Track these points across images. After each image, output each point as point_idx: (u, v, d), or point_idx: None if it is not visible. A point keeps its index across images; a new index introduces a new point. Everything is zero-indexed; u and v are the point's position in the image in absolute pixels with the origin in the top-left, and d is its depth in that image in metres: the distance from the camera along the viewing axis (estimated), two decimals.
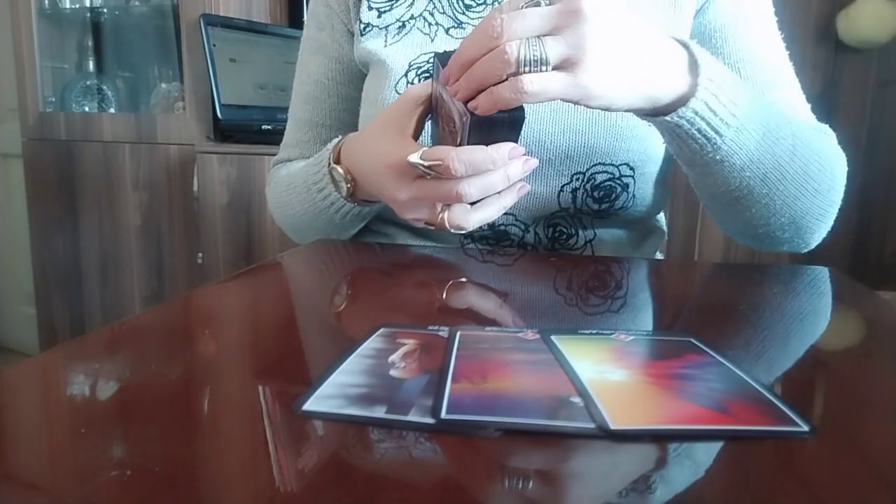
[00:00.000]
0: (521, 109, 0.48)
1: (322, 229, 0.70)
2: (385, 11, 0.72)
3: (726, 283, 0.56)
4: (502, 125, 0.49)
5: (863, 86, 1.81)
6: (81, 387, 0.32)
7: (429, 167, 0.51)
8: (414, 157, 0.51)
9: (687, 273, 0.58)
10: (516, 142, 0.51)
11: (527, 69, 0.44)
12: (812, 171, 0.58)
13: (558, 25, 0.45)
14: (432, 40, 0.70)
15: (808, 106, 0.70)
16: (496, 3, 0.69)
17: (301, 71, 0.82)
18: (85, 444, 0.25)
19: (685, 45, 0.51)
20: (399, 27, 0.71)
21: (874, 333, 0.44)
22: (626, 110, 0.50)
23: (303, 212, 0.71)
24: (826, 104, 1.80)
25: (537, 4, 0.46)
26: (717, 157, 0.53)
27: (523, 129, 0.51)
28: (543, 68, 0.45)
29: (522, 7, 0.46)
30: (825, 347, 0.41)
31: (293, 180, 0.72)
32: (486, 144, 0.50)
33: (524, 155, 0.51)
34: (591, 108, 0.48)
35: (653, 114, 0.52)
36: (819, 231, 0.64)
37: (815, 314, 0.48)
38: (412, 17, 0.71)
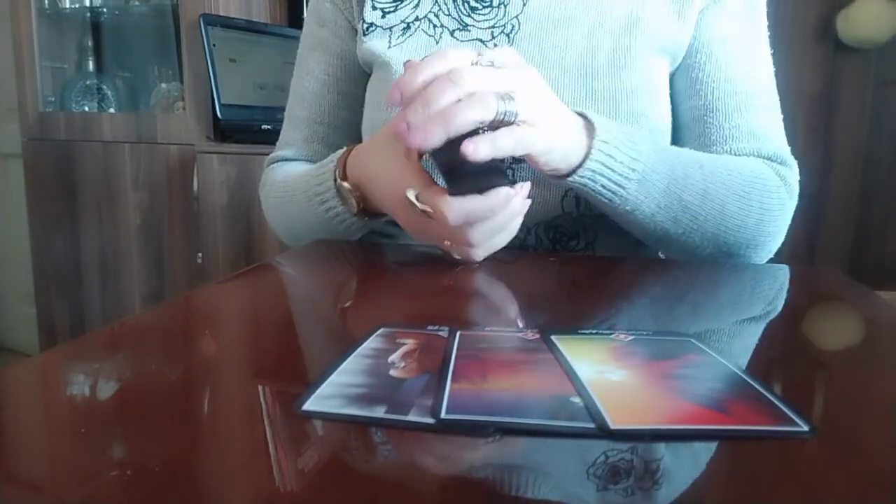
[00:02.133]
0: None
1: (322, 236, 0.70)
2: (389, 12, 0.71)
3: (726, 283, 0.56)
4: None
5: (863, 86, 1.81)
6: (81, 387, 0.32)
7: (422, 211, 0.52)
8: (411, 195, 0.53)
9: (687, 273, 0.58)
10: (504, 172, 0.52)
11: (502, 118, 0.48)
12: (730, 209, 0.62)
13: (514, 86, 0.49)
14: (437, 42, 0.69)
15: (782, 130, 0.72)
16: (501, 6, 0.69)
17: (300, 68, 0.81)
18: (85, 444, 0.25)
19: (581, 114, 0.56)
20: (404, 28, 0.71)
21: (874, 333, 0.44)
22: (552, 170, 0.55)
23: (302, 221, 0.70)
24: (826, 104, 1.80)
25: (490, 63, 0.50)
26: (628, 208, 0.58)
27: None
28: (513, 120, 0.49)
29: (477, 63, 0.49)
30: (825, 347, 0.41)
31: (290, 187, 0.71)
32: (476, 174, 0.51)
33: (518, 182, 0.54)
34: (536, 164, 0.53)
35: (565, 175, 0.56)
36: (760, 255, 0.67)
37: (815, 314, 0.48)
38: (417, 19, 0.71)
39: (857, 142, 1.82)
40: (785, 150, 0.71)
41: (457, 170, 0.50)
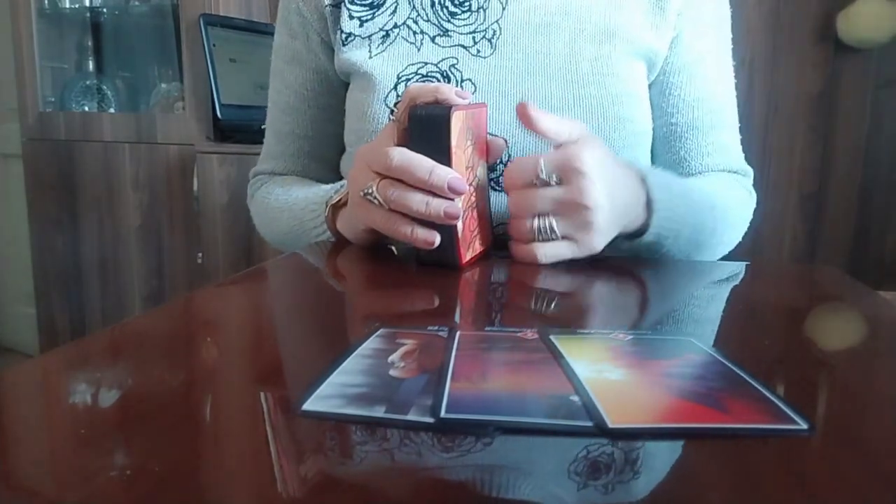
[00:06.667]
0: (447, 108, 0.52)
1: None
2: (367, 20, 0.70)
3: (726, 282, 0.56)
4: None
5: (863, 86, 1.81)
6: (81, 389, 0.32)
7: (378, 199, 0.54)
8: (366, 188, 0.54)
9: (686, 272, 0.58)
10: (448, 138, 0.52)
11: (541, 237, 0.54)
12: (725, 239, 0.72)
13: (566, 211, 0.53)
14: (418, 49, 0.68)
15: (740, 143, 0.79)
16: (481, 11, 0.68)
17: (277, 80, 0.79)
18: (85, 446, 0.25)
19: (643, 180, 0.58)
20: (383, 36, 0.69)
21: (874, 333, 0.44)
22: None
23: (294, 240, 0.73)
24: (826, 104, 1.80)
25: (547, 182, 0.52)
26: (653, 256, 0.63)
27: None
28: (553, 237, 0.54)
29: (535, 182, 0.53)
30: (825, 346, 0.41)
31: (282, 217, 0.74)
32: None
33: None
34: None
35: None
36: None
37: (815, 313, 0.48)
38: (396, 26, 0.69)
39: (857, 142, 1.82)
40: (743, 161, 0.79)
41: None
